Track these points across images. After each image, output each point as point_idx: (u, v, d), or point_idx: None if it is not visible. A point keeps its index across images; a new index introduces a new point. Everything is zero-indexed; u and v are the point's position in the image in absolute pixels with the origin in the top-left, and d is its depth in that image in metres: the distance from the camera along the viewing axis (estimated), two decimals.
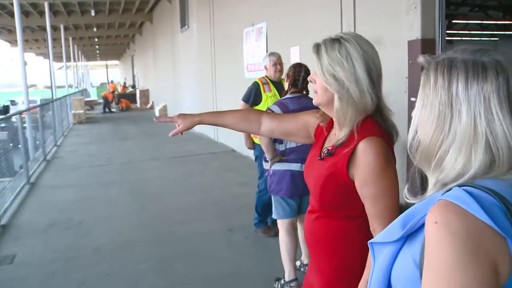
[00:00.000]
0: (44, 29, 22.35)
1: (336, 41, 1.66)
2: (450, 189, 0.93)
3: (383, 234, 1.05)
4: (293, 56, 7.01)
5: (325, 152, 1.72)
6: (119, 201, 6.96)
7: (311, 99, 1.79)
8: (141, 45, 31.49)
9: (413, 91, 4.37)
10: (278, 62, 5.03)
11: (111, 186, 7.89)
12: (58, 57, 39.61)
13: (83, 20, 24.79)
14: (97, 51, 47.33)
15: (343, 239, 1.75)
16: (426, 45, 4.29)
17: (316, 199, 1.77)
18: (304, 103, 3.66)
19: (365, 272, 1.55)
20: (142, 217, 6.09)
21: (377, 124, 1.65)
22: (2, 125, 15.84)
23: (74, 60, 36.12)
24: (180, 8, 15.46)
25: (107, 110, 25.83)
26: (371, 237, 1.51)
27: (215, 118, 2.10)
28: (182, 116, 2.05)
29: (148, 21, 24.34)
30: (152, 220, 5.93)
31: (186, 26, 14.83)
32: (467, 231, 0.83)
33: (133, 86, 37.28)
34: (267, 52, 8.23)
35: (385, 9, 4.84)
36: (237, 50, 9.71)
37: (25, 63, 11.85)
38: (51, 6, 20.12)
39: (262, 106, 4.83)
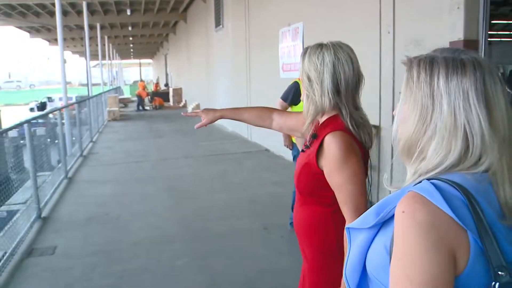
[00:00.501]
0: (81, 28, 22.83)
1: (319, 46, 1.88)
2: (420, 182, 0.99)
3: (359, 221, 1.09)
4: None
5: (306, 145, 1.94)
6: (155, 197, 7.07)
7: None
8: (175, 44, 31.80)
9: None
10: None
11: (147, 182, 8.01)
12: (93, 55, 40.36)
13: (119, 19, 25.19)
14: (131, 50, 48.01)
15: (317, 225, 1.93)
16: (468, 46, 4.21)
17: (296, 187, 1.99)
18: None
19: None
20: (178, 214, 6.16)
21: (343, 121, 1.83)
22: (40, 121, 16.28)
23: (109, 58, 36.71)
24: (215, 7, 15.56)
25: (140, 108, 26.15)
26: (344, 223, 1.70)
27: (234, 113, 2.38)
28: (206, 110, 2.34)
29: (182, 20, 24.55)
30: (188, 216, 6.00)
31: (221, 26, 14.92)
32: (431, 221, 0.90)
33: (166, 85, 37.67)
34: None
35: (426, 9, 4.78)
36: (273, 50, 9.72)
37: (65, 61, 12.11)
38: (88, 5, 20.54)
39: (300, 107, 4.82)
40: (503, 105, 1.00)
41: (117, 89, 36.13)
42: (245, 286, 4.07)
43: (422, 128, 1.02)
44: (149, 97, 28.81)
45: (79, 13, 22.01)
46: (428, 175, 1.00)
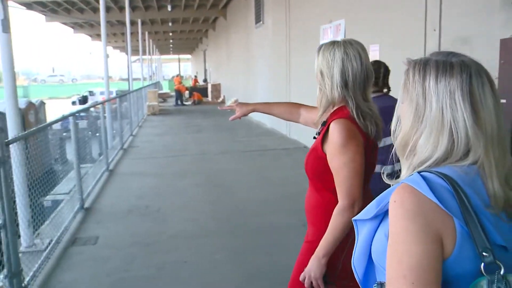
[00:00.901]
0: (123, 23, 23.27)
1: (332, 43, 2.02)
2: (412, 175, 1.08)
3: (363, 212, 1.18)
4: (372, 54, 6.89)
5: (317, 132, 2.11)
6: (194, 191, 7.14)
7: (393, 98, 1.95)
8: (214, 40, 32.01)
9: (504, 91, 4.19)
10: None
11: (186, 176, 8.10)
12: (134, 51, 41.02)
13: (159, 15, 25.52)
14: (171, 45, 48.60)
15: (321, 208, 2.06)
16: None
17: (306, 170, 2.11)
18: (387, 102, 3.60)
19: None
20: (217, 208, 6.21)
21: (349, 111, 1.97)
22: (82, 114, 16.64)
23: (149, 54, 37.25)
24: (255, 4, 15.58)
25: (179, 103, 26.43)
26: None
27: (265, 108, 2.60)
28: (240, 104, 2.55)
29: (222, 16, 24.69)
30: (227, 211, 6.04)
31: (261, 22, 14.93)
32: (419, 208, 1.00)
33: (205, 80, 37.97)
34: None
35: (475, 6, 4.65)
36: (313, 46, 9.65)
37: (107, 56, 12.35)
38: (130, 1, 20.86)
39: None
40: (490, 104, 1.07)
41: (157, 84, 36.64)
42: (282, 282, 4.06)
43: (416, 125, 1.11)
44: (188, 91, 29.08)
45: (121, 9, 22.43)
46: (419, 169, 1.10)
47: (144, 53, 30.87)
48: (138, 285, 4.08)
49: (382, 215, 1.12)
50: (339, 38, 2.13)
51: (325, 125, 2.00)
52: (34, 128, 4.86)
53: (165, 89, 44.43)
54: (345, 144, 1.90)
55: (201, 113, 20.81)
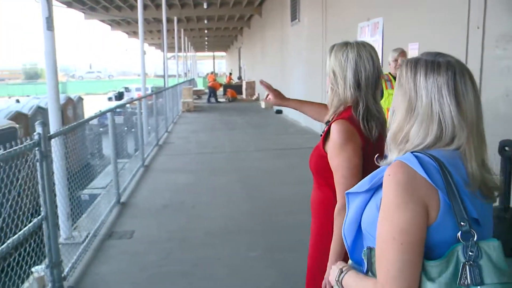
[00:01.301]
0: (159, 21, 23.49)
1: (345, 45, 2.06)
2: (405, 154, 1.25)
3: (357, 186, 1.36)
4: (411, 53, 6.77)
5: (323, 130, 2.15)
6: (228, 188, 7.16)
7: None
8: (249, 37, 32.06)
9: None
10: (398, 58, 4.89)
11: (220, 174, 8.14)
12: (169, 48, 41.41)
13: (195, 12, 25.73)
14: (206, 43, 48.91)
15: (322, 203, 2.15)
16: None
17: (309, 167, 2.20)
18: None
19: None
20: (251, 206, 6.21)
21: (353, 113, 2.02)
22: (118, 110, 16.91)
23: (184, 51, 37.58)
24: (291, 1, 15.52)
25: (213, 100, 26.54)
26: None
27: (297, 105, 2.66)
28: (277, 92, 2.63)
29: (257, 14, 24.71)
30: (260, 209, 6.04)
31: (297, 20, 14.87)
32: (408, 180, 1.17)
33: (239, 78, 38.08)
34: (382, 48, 8.03)
35: None
36: None
37: (144, 53, 12.51)
38: None
39: (383, 103, 4.71)
40: (471, 98, 1.24)
41: (191, 81, 36.93)
42: None
43: (408, 115, 1.27)
44: (222, 89, 29.18)
45: (158, 6, 22.68)
46: (411, 151, 1.25)
47: (179, 50, 31.17)
48: (173, 280, 4.12)
49: (374, 189, 1.30)
50: (355, 38, 2.07)
51: (328, 124, 2.06)
52: (75, 123, 4.96)
53: (200, 86, 44.74)
54: (342, 144, 1.96)
55: (235, 111, 20.87)
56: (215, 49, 60.39)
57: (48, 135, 3.81)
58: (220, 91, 28.96)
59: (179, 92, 21.88)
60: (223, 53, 66.19)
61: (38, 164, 3.66)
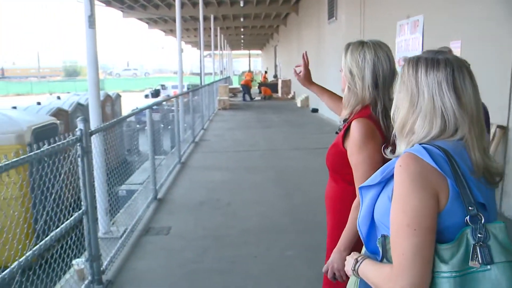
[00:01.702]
0: (196, 19, 23.68)
1: (361, 44, 2.09)
2: (413, 146, 1.34)
3: (369, 180, 1.44)
4: (453, 51, 6.61)
5: (339, 128, 2.22)
6: (265, 186, 7.15)
7: None
8: (285, 35, 31.97)
9: None
10: None
11: (256, 171, 8.14)
12: (205, 46, 41.65)
13: (231, 10, 25.81)
14: (242, 41, 49.03)
15: (338, 199, 2.21)
16: None
17: (326, 163, 2.26)
18: None
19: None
20: (287, 204, 6.19)
21: (372, 111, 2.05)
22: (155, 107, 17.10)
23: (220, 49, 37.75)
24: None
25: (247, 98, 26.55)
26: None
27: (319, 90, 2.81)
28: (309, 74, 2.80)
29: (294, 12, 24.60)
30: (298, 208, 6.00)
31: (334, 18, 14.73)
32: (419, 170, 1.25)
33: (275, 76, 38.02)
34: (422, 46, 7.87)
35: None
36: (389, 43, 9.32)
37: (182, 51, 12.61)
38: None
39: None
40: (470, 91, 1.33)
41: (227, 79, 37.08)
42: None
43: (411, 110, 1.36)
44: (257, 87, 29.17)
45: (195, 4, 22.86)
46: (419, 143, 1.34)
47: (215, 48, 31.33)
48: (209, 277, 4.13)
49: (385, 181, 1.39)
50: (365, 38, 2.22)
51: (347, 122, 2.10)
52: (115, 119, 5.02)
53: (235, 84, 44.92)
54: (364, 142, 2.00)
55: (271, 109, 20.84)
56: (250, 47, 60.48)
57: (89, 131, 3.87)
58: (254, 89, 28.96)
59: (215, 90, 22.00)
60: (259, 51, 66.22)
61: (79, 159, 3.73)
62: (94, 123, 4.79)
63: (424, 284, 1.22)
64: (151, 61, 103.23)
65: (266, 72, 40.67)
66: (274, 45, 41.32)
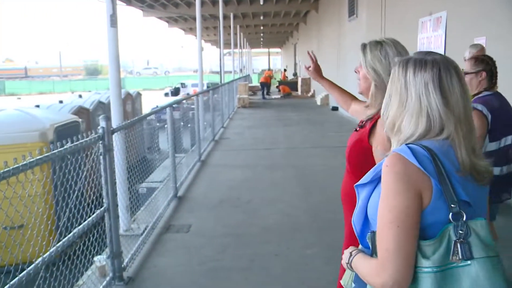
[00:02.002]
0: (215, 17, 23.74)
1: (378, 43, 2.13)
2: (400, 145, 1.39)
3: (363, 178, 1.50)
4: (485, 49, 6.50)
5: (359, 125, 2.25)
6: (285, 184, 7.13)
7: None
8: (305, 33, 31.87)
9: None
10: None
11: (276, 169, 8.13)
12: (225, 44, 41.68)
13: (251, 8, 25.81)
14: (261, 39, 49.02)
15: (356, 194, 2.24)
16: None
17: (347, 159, 2.29)
18: (504, 101, 3.37)
19: None
20: (308, 203, 6.16)
21: None
22: (175, 105, 17.18)
23: (240, 47, 37.79)
24: None
25: (266, 95, 26.49)
26: None
27: (329, 85, 2.87)
28: (319, 69, 2.84)
29: (314, 10, 24.50)
30: (318, 206, 5.97)
31: (354, 16, 14.62)
32: (404, 170, 1.31)
33: (295, 74, 37.92)
34: (445, 43, 7.76)
35: None
36: (410, 40, 9.29)
37: (202, 49, 12.65)
38: None
39: None
40: (457, 91, 1.37)
41: (247, 77, 37.10)
42: None
43: (400, 109, 1.42)
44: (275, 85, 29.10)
45: (214, 3, 22.92)
46: (406, 142, 1.40)
47: (235, 46, 31.37)
48: (229, 275, 4.13)
49: (377, 180, 1.43)
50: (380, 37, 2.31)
51: (372, 120, 2.13)
52: (136, 118, 5.06)
53: (255, 82, 44.95)
54: None
55: (290, 107, 20.77)
56: (270, 46, 60.46)
57: (111, 129, 3.90)
58: (274, 87, 28.90)
59: (235, 88, 22.02)
60: (278, 50, 66.13)
61: (101, 157, 3.76)
62: (115, 121, 4.83)
63: (406, 278, 1.28)
64: (171, 60, 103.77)
65: (285, 70, 40.55)
66: (294, 43, 41.20)
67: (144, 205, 6.20)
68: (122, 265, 4.01)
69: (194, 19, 13.98)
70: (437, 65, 1.38)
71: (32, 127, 7.35)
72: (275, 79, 36.08)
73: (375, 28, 12.01)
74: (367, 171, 2.13)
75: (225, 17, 25.90)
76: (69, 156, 3.45)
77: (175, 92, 36.65)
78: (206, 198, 6.53)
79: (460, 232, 1.27)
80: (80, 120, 9.03)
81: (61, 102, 11.25)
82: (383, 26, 11.41)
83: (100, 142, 3.72)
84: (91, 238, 3.86)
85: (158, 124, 12.84)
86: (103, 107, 11.94)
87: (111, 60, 4.98)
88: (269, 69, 42.44)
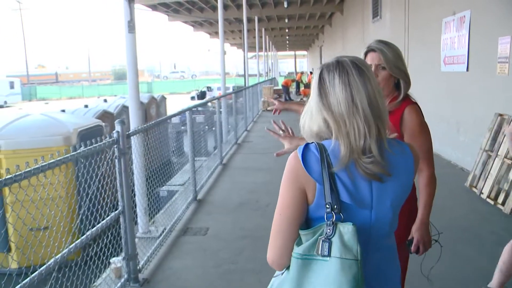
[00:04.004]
0: (240, 21, 23.82)
1: (389, 44, 2.34)
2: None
3: None
4: (501, 48, 6.39)
5: None
6: None
7: None
8: (330, 36, 31.72)
9: None
10: None
11: None
12: (250, 47, 41.79)
13: (275, 11, 25.82)
14: (287, 42, 48.97)
15: None
16: None
17: None
18: None
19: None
20: None
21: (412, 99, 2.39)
22: (200, 109, 17.27)
23: (265, 50, 37.85)
24: None
25: (287, 98, 26.43)
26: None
27: (296, 107, 2.89)
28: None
29: (339, 11, 24.35)
30: None
31: (378, 17, 14.50)
32: (294, 167, 1.42)
33: None
34: (469, 42, 7.62)
35: None
36: (433, 41, 9.17)
37: (225, 53, 12.71)
38: None
39: None
40: (338, 91, 1.43)
41: (272, 80, 37.13)
42: None
43: (308, 110, 1.53)
44: (298, 87, 29.01)
45: (239, 6, 23.00)
46: (310, 140, 1.50)
47: (260, 49, 31.43)
48: (244, 277, 4.14)
49: None
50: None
51: (392, 112, 2.26)
52: (152, 122, 5.10)
53: (281, 85, 44.95)
54: (423, 123, 2.30)
55: None
56: (296, 48, 60.35)
57: (127, 133, 3.96)
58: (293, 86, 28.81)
59: (259, 91, 22.05)
60: (304, 52, 65.97)
61: (116, 160, 3.82)
62: (134, 125, 4.90)
63: (281, 258, 1.46)
64: (198, 63, 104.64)
65: (311, 73, 40.42)
66: (320, 45, 41.05)
67: (163, 208, 6.27)
68: (138, 267, 4.06)
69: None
70: (321, 68, 1.49)
71: (56, 131, 7.51)
72: (302, 82, 36.05)
73: (398, 30, 11.88)
74: None
75: (250, 20, 25.99)
76: (89, 158, 3.52)
77: (201, 95, 36.96)
78: (226, 201, 6.55)
79: (328, 231, 1.38)
80: (103, 124, 9.18)
81: (86, 106, 11.45)
82: (406, 27, 11.27)
83: (115, 146, 3.78)
84: (112, 239, 3.93)
85: (182, 127, 12.93)
86: (126, 111, 12.08)
87: (129, 65, 5.06)
88: (301, 72, 42.41)
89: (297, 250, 1.41)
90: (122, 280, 3.91)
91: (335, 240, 1.36)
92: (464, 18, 7.79)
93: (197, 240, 5.07)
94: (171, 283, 4.10)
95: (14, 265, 5.53)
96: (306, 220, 1.47)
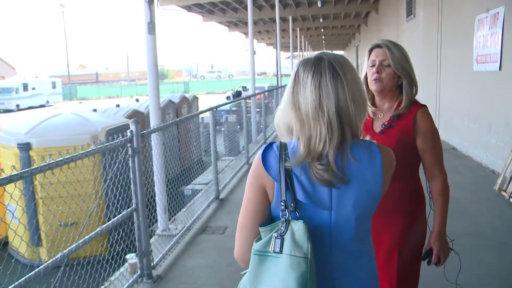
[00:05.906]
0: (274, 20, 23.83)
1: (397, 44, 2.28)
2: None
3: None
4: None
5: (385, 126, 2.27)
6: None
7: None
8: (366, 35, 31.37)
9: None
10: None
11: None
12: (286, 47, 41.74)
13: (310, 11, 25.67)
14: (323, 41, 48.68)
15: (413, 197, 2.30)
16: None
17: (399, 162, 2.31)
18: None
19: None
20: None
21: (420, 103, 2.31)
22: (233, 108, 17.36)
23: (301, 50, 37.71)
24: None
25: None
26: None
27: None
28: None
29: (374, 10, 24.05)
30: None
31: (412, 16, 14.25)
32: (256, 167, 1.48)
33: None
34: (502, 40, 7.38)
35: None
36: (466, 39, 8.93)
37: (254, 53, 12.74)
38: None
39: None
40: (308, 92, 1.42)
41: None
42: None
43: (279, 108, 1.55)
44: None
45: (273, 7, 22.98)
46: (280, 139, 1.52)
47: (295, 49, 31.35)
48: None
49: None
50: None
51: (401, 117, 2.23)
52: (167, 123, 5.09)
53: None
54: (435, 127, 2.25)
55: None
56: (333, 48, 59.92)
57: (141, 132, 4.02)
58: None
59: None
60: (342, 52, 65.47)
61: (130, 159, 3.88)
62: (153, 125, 4.97)
63: (243, 254, 1.51)
64: (235, 63, 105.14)
65: None
66: (356, 45, 40.64)
67: (185, 206, 6.34)
68: (152, 264, 4.12)
69: (255, 22, 14.13)
70: (297, 66, 1.48)
71: (84, 130, 7.70)
72: None
73: (432, 28, 11.66)
74: (413, 168, 2.27)
75: (284, 20, 25.97)
76: (116, 160, 3.63)
77: (237, 95, 37.09)
78: None
79: (282, 229, 1.40)
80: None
81: (117, 106, 11.67)
82: (439, 25, 11.04)
83: (129, 144, 3.85)
84: (131, 236, 4.02)
85: (217, 127, 13.00)
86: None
87: (150, 66, 5.14)
88: None
89: (255, 247, 1.43)
90: (135, 276, 3.98)
91: (287, 237, 1.38)
92: (498, 15, 7.56)
93: (214, 239, 5.11)
94: (183, 280, 4.14)
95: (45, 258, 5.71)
96: (271, 219, 1.49)
